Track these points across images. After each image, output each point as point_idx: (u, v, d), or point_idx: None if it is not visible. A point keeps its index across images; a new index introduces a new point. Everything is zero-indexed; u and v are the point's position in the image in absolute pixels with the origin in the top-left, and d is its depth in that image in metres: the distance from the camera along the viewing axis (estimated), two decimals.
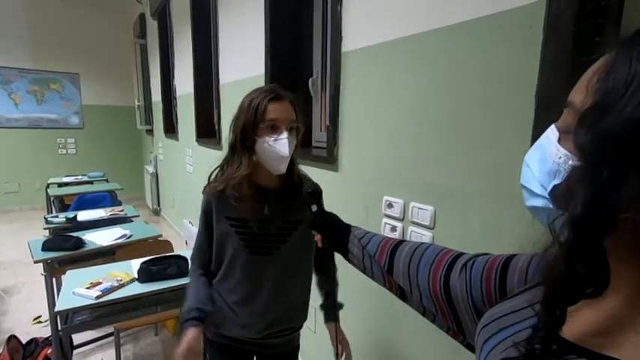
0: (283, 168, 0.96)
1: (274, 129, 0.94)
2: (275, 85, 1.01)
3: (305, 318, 1.16)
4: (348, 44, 1.44)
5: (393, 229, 1.29)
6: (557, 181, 0.34)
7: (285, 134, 0.94)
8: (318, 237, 0.80)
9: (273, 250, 1.04)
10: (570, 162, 0.32)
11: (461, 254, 0.57)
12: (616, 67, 0.29)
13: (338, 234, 0.75)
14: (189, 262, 1.09)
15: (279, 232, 1.04)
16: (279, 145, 0.93)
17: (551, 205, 0.35)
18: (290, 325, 1.12)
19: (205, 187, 1.07)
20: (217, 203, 1.02)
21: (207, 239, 1.06)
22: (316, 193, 0.85)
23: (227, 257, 1.04)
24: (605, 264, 0.29)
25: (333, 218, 0.80)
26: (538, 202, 0.36)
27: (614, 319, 0.30)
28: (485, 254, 0.54)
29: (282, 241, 1.04)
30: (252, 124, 0.94)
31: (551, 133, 0.36)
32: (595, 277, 0.30)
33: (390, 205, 1.30)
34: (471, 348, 0.49)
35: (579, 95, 0.32)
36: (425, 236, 1.16)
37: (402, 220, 1.26)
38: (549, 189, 0.35)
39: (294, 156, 1.00)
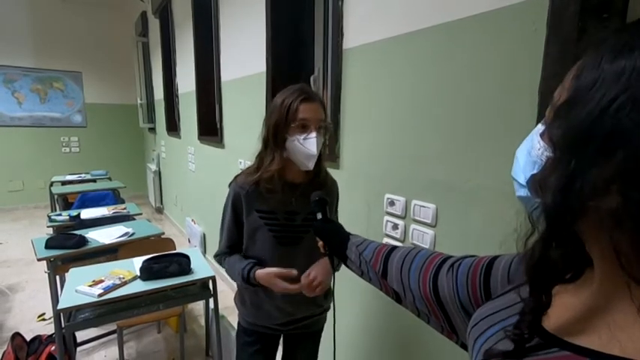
0: (311, 165, 1.03)
1: (304, 128, 1.01)
2: (305, 85, 1.07)
3: (330, 301, 1.20)
4: (350, 41, 1.43)
5: (395, 227, 1.28)
6: (534, 171, 0.36)
7: (314, 134, 1.00)
8: (320, 243, 0.86)
9: (298, 240, 1.12)
10: (546, 154, 0.34)
11: (449, 257, 0.59)
12: (588, 65, 0.31)
13: (338, 242, 0.79)
14: (218, 245, 1.19)
15: (305, 223, 1.11)
16: (308, 144, 1.00)
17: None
18: (316, 310, 1.20)
19: (232, 181, 1.13)
20: (247, 197, 1.09)
21: (234, 227, 1.14)
22: (322, 201, 0.90)
23: (257, 248, 1.12)
24: (580, 251, 0.31)
25: (335, 227, 0.86)
26: (523, 192, 0.38)
27: (592, 307, 0.32)
28: (473, 256, 0.56)
29: (306, 231, 1.11)
30: (284, 123, 1.01)
31: (539, 126, 0.37)
32: (571, 263, 0.33)
33: (391, 203, 1.29)
34: (465, 347, 0.50)
35: (559, 91, 0.34)
36: (427, 234, 1.16)
37: (403, 218, 1.25)
38: (527, 178, 0.37)
39: (322, 153, 1.08)
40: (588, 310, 0.32)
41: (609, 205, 0.27)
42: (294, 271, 1.03)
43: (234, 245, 1.16)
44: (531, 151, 0.37)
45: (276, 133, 1.02)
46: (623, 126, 0.26)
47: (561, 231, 0.31)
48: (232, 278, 1.13)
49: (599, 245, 0.31)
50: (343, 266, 0.82)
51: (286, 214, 1.09)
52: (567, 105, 0.31)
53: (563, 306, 0.35)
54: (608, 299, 0.31)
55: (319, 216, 0.88)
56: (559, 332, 0.33)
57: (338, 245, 0.79)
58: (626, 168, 0.26)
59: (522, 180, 0.37)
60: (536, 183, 0.35)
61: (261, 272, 1.04)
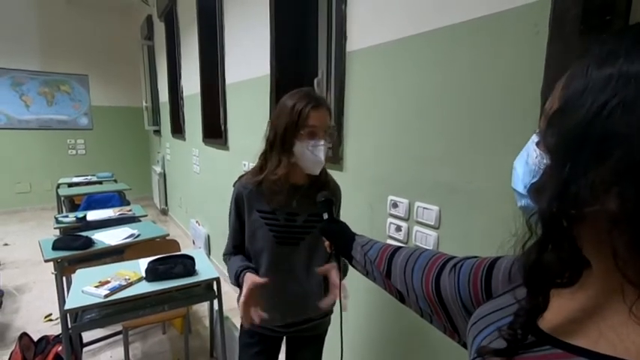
0: (317, 170, 1.06)
1: (313, 135, 1.02)
2: (312, 90, 1.08)
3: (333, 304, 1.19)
4: (353, 44, 1.44)
5: (398, 228, 1.29)
6: (534, 180, 0.36)
7: (322, 142, 1.02)
8: (327, 243, 0.87)
9: (299, 240, 1.12)
10: (544, 161, 0.34)
11: (452, 257, 0.60)
12: (576, 75, 0.32)
13: (344, 242, 0.80)
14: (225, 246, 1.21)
15: (305, 225, 1.12)
16: (317, 151, 1.02)
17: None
18: (317, 312, 1.17)
19: (236, 181, 1.15)
20: (249, 197, 1.10)
21: (238, 226, 1.15)
22: (328, 202, 0.90)
23: (257, 248, 1.13)
24: (576, 256, 0.32)
25: (341, 227, 0.86)
26: (524, 202, 0.38)
27: (587, 308, 0.33)
28: (475, 257, 0.56)
29: (307, 232, 1.12)
30: (293, 128, 1.01)
31: (534, 137, 0.38)
32: (567, 267, 0.33)
33: (395, 205, 1.29)
34: (466, 347, 0.51)
35: (550, 101, 0.35)
36: (430, 236, 1.16)
37: (407, 219, 1.26)
38: (527, 187, 0.37)
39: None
40: (583, 311, 0.33)
41: (607, 207, 0.27)
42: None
43: (239, 245, 1.17)
44: (528, 161, 0.38)
45: (284, 137, 1.02)
46: (616, 129, 0.27)
47: (557, 235, 0.31)
48: (229, 276, 1.13)
49: (597, 248, 0.31)
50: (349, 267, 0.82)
51: (287, 215, 1.10)
52: (559, 113, 0.32)
53: (559, 308, 0.35)
54: (603, 301, 0.32)
55: (325, 216, 0.89)
56: (553, 332, 0.34)
57: (344, 245, 0.80)
58: (622, 169, 0.27)
59: (522, 190, 0.38)
60: (534, 190, 0.36)
61: (249, 276, 1.04)
